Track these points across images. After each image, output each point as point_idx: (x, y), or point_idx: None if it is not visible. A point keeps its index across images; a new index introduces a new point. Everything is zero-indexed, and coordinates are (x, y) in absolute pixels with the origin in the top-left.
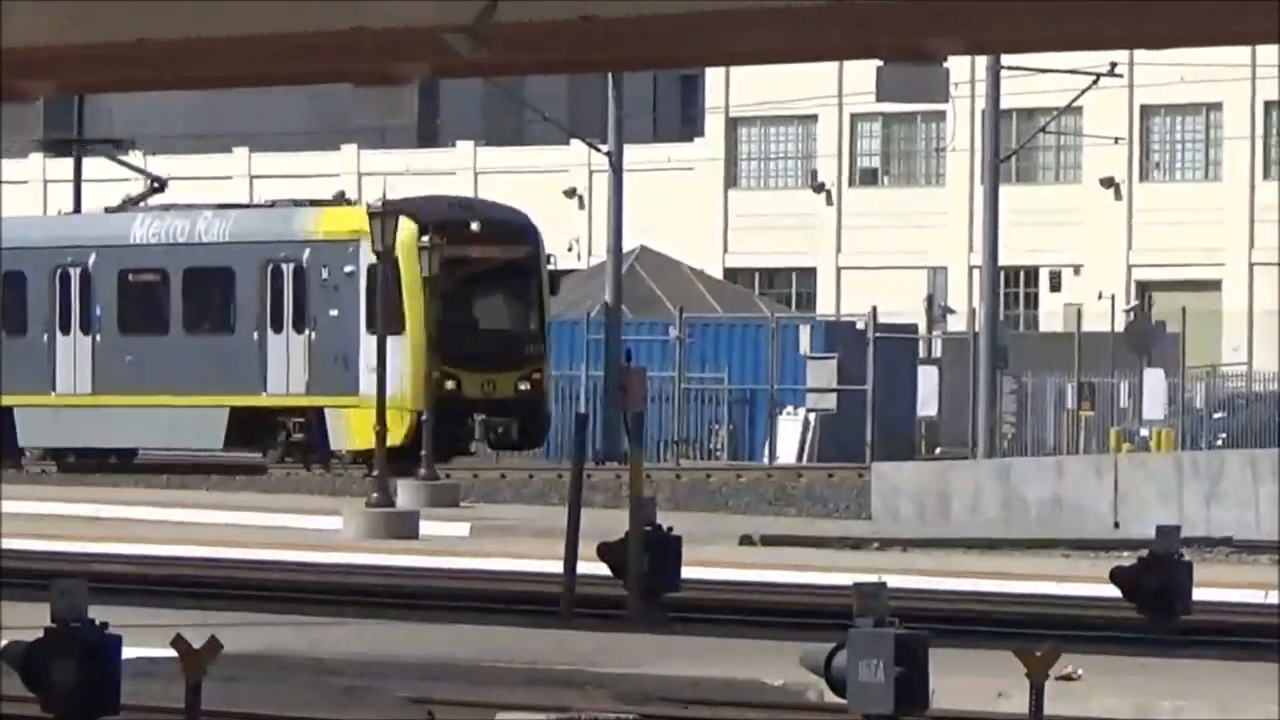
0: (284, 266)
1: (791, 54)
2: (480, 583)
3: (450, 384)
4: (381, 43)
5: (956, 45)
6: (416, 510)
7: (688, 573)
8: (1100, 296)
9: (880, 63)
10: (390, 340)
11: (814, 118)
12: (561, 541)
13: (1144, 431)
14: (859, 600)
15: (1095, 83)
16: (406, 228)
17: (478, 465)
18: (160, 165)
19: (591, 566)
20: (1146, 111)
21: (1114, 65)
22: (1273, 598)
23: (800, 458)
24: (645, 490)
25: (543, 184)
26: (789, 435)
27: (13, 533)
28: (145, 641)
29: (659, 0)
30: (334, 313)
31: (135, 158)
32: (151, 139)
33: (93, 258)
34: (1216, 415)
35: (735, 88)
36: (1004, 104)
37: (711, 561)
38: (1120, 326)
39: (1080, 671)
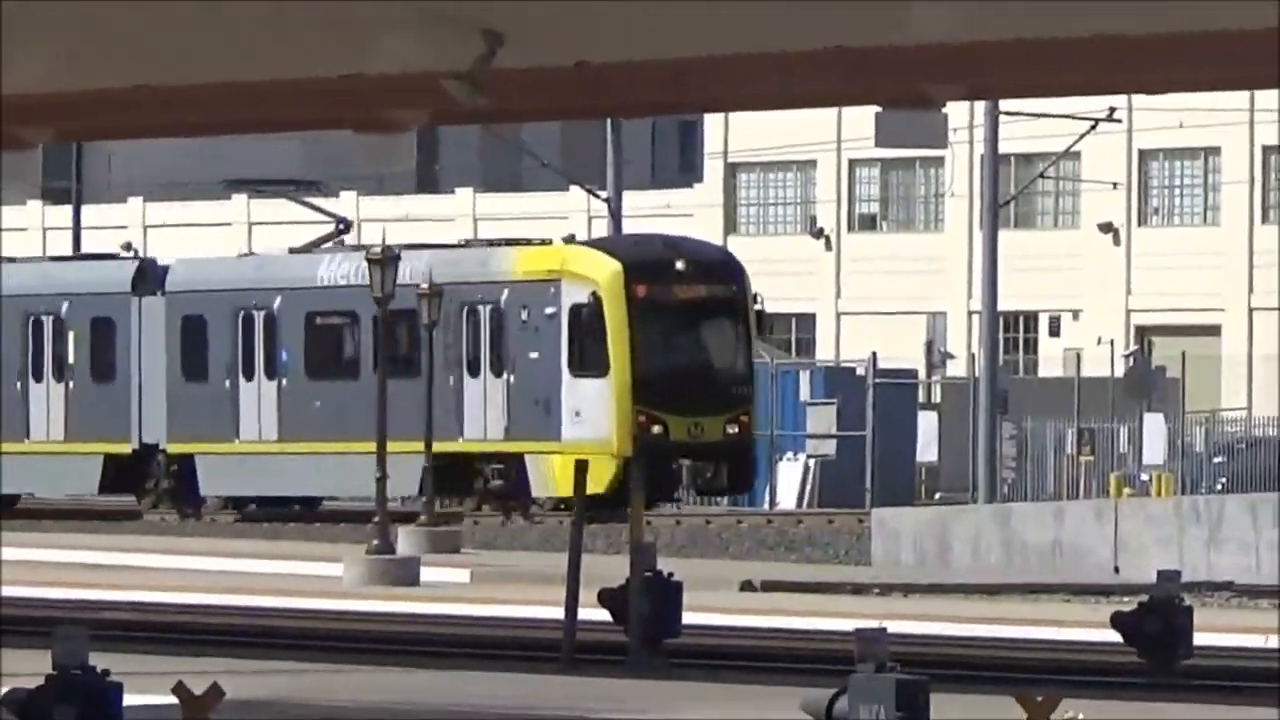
0: (481, 308)
1: (790, 100)
2: (481, 629)
3: (656, 428)
4: (379, 89)
5: (956, 91)
6: (417, 557)
7: (688, 618)
8: (1099, 341)
9: (879, 109)
10: (595, 383)
11: (813, 163)
12: (562, 588)
13: (1144, 476)
14: (860, 645)
15: (1094, 128)
16: (610, 267)
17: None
18: (158, 212)
19: (592, 613)
20: (1145, 156)
21: (1112, 110)
22: (1273, 642)
23: (800, 503)
24: (645, 536)
25: (541, 230)
26: (789, 481)
27: (14, 580)
28: (147, 689)
29: (658, 46)
30: (534, 355)
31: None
32: (148, 185)
33: (278, 300)
34: (1216, 460)
35: (734, 133)
36: (1002, 149)
37: (712, 607)
38: (1120, 371)
39: (1081, 717)
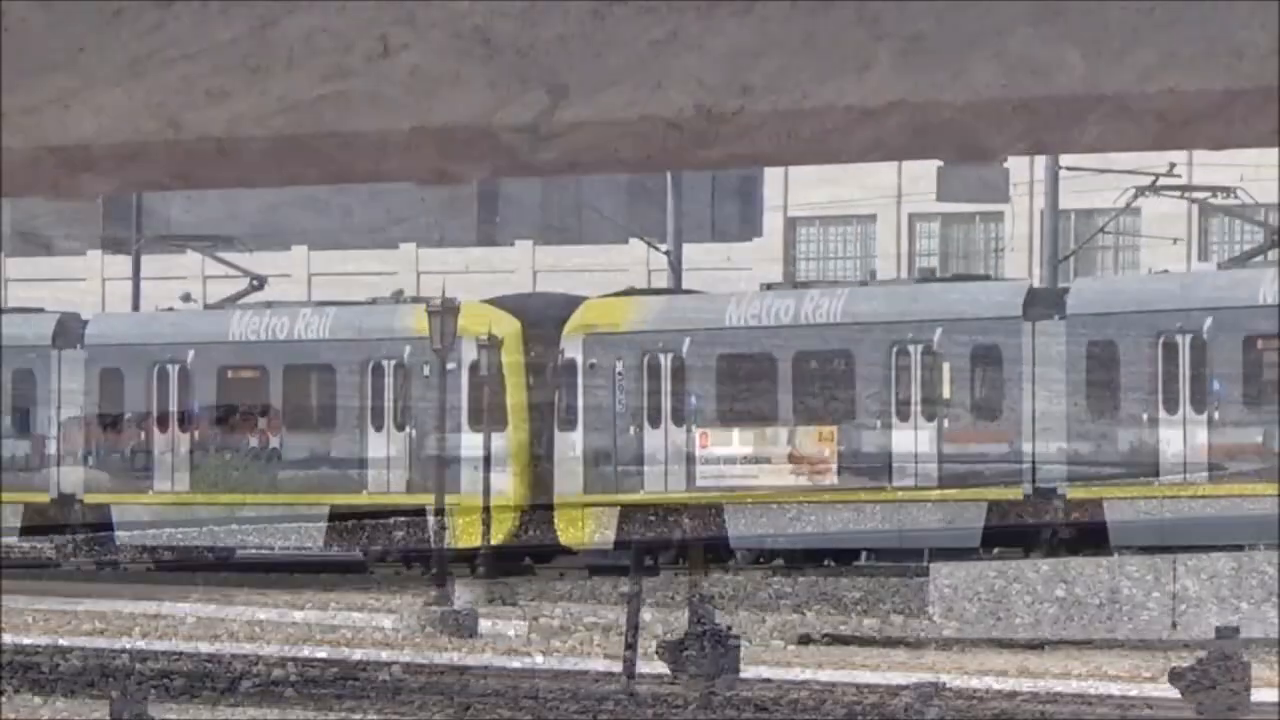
0: None
1: (852, 154)
2: (538, 681)
3: None
4: (440, 142)
5: (1018, 146)
6: (475, 608)
7: (746, 671)
8: None
9: (940, 164)
10: None
11: (873, 217)
12: (620, 640)
13: None
14: (917, 699)
15: (1154, 184)
16: None
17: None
18: (217, 263)
19: (650, 665)
20: (1205, 211)
21: (1172, 165)
22: None
23: (859, 556)
24: (703, 589)
25: (601, 283)
26: None
27: (52, 629)
28: None
29: (719, 98)
30: None
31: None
32: (210, 237)
33: (1209, 320)
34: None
35: (794, 187)
36: (1062, 204)
37: (769, 660)
38: None
39: None
